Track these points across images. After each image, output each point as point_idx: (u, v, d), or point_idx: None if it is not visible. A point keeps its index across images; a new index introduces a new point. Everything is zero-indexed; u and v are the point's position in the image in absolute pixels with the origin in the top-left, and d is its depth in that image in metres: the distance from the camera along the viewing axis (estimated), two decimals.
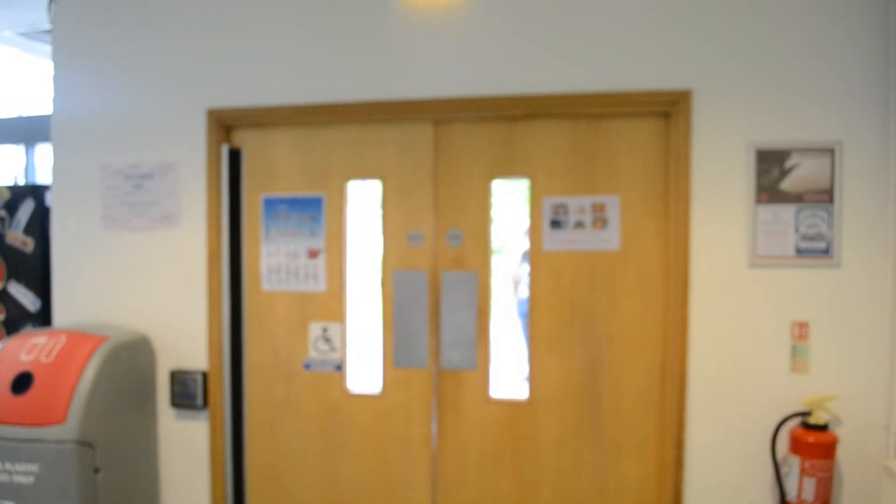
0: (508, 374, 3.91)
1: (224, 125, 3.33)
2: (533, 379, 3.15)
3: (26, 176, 7.63)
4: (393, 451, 3.29)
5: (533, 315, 3.14)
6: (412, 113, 3.16)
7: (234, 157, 3.34)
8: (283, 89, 3.25)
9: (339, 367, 3.34)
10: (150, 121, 3.40)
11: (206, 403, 3.28)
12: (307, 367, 3.37)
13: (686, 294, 2.89)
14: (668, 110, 2.93)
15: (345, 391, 3.34)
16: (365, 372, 3.45)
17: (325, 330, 3.35)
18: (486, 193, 3.18)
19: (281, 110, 3.26)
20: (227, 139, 3.38)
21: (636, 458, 3.06)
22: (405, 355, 3.26)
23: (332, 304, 3.34)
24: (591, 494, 3.10)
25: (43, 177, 7.51)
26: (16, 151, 7.94)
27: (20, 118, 7.74)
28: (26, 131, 7.60)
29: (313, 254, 3.41)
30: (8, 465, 2.90)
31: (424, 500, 3.26)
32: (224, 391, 3.28)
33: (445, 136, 3.20)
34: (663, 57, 2.92)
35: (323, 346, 3.35)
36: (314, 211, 3.67)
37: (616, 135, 3.04)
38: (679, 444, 2.91)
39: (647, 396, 3.03)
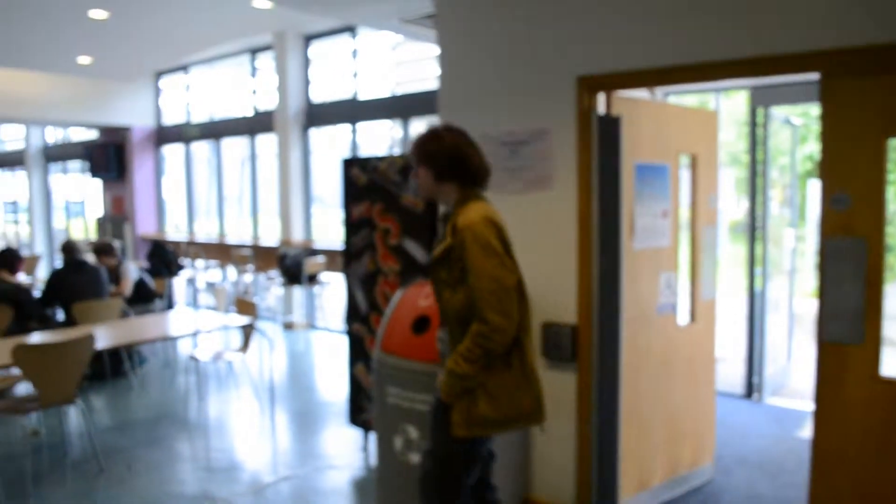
0: None
1: (594, 91, 3.43)
2: None
3: (403, 147, 8.62)
4: None
5: None
6: (796, 69, 2.97)
7: (613, 123, 3.44)
8: (649, 51, 3.25)
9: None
10: (524, 90, 3.64)
11: (574, 356, 3.47)
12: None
13: None
14: None
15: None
16: None
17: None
18: (879, 152, 2.88)
19: (647, 73, 3.27)
20: (607, 105, 3.49)
21: None
22: None
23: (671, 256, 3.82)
24: None
25: None
26: (394, 126, 9.02)
27: (396, 96, 8.75)
28: (402, 107, 8.57)
29: (664, 214, 3.76)
30: (411, 394, 3.38)
31: None
32: (593, 345, 3.44)
33: (832, 92, 2.95)
34: None
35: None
36: (663, 177, 3.72)
37: None
38: None
39: None
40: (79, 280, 6.33)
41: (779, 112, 5.80)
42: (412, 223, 4.27)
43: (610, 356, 3.49)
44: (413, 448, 3.44)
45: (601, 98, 3.50)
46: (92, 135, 13.72)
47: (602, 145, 3.42)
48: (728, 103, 12.50)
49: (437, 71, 4.02)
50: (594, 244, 3.42)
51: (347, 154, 8.66)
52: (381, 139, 9.41)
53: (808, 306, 8.62)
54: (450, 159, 2.61)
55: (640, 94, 3.94)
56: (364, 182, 4.51)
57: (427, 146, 2.65)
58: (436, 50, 4.06)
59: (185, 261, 10.41)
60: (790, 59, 2.96)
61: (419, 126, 8.38)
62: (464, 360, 2.47)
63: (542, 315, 3.60)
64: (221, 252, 10.88)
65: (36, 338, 5.02)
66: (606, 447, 3.53)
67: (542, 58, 3.57)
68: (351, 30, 8.88)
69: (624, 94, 3.59)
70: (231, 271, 10.68)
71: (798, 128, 6.38)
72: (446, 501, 2.66)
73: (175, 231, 12.70)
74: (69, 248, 6.56)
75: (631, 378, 3.59)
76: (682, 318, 3.99)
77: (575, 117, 3.45)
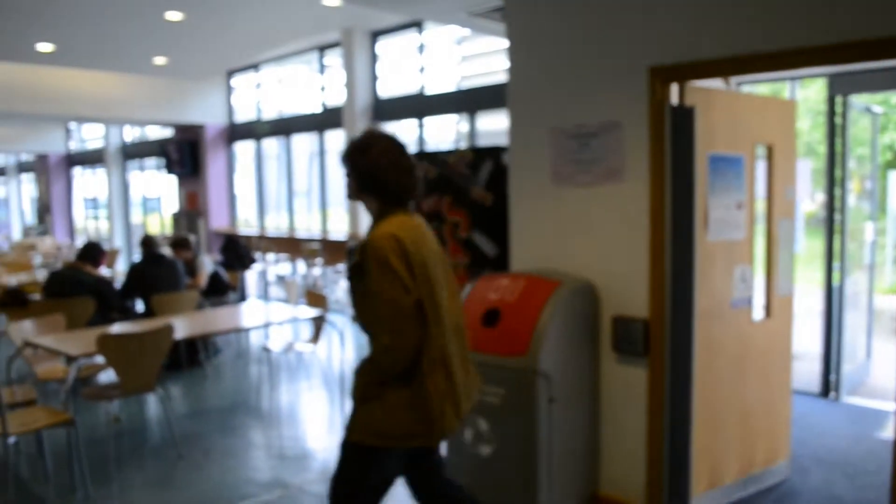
0: None
1: (667, 81, 3.37)
2: None
3: (469, 139, 8.64)
4: None
5: None
6: (882, 55, 2.86)
7: (687, 115, 3.37)
8: (724, 39, 3.17)
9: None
10: (594, 82, 3.60)
11: (646, 350, 3.43)
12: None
13: None
14: None
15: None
16: None
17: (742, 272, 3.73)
18: None
19: (723, 62, 3.20)
20: (680, 96, 3.43)
21: None
22: None
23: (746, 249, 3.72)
24: None
25: (482, 140, 8.42)
26: (461, 120, 9.04)
27: (463, 90, 8.77)
28: (469, 101, 8.59)
29: (739, 206, 3.65)
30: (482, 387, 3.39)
31: None
32: (665, 340, 3.39)
33: None
34: None
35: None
36: (737, 168, 3.62)
37: None
38: None
39: None
40: (157, 273, 6.56)
41: (858, 101, 5.59)
42: (481, 217, 4.28)
43: (682, 351, 3.43)
44: (483, 440, 3.46)
45: (674, 88, 3.44)
46: (167, 133, 14.18)
47: (675, 137, 3.36)
48: (802, 91, 12.10)
49: (505, 64, 4.02)
50: (667, 236, 3.37)
51: (414, 149, 8.72)
52: (448, 133, 9.44)
53: (889, 302, 8.30)
54: (370, 176, 2.50)
55: (714, 83, 3.86)
56: (434, 175, 4.54)
57: (352, 156, 2.55)
58: (503, 43, 4.05)
59: (256, 254, 10.66)
60: (875, 44, 2.84)
61: (489, 119, 8.39)
62: (361, 370, 2.46)
63: (611, 309, 3.57)
64: (291, 246, 11.10)
65: (118, 328, 5.23)
66: (678, 443, 3.48)
67: (613, 49, 3.53)
68: (417, 25, 8.93)
69: (698, 83, 3.52)
70: (300, 265, 10.89)
71: (879, 116, 6.14)
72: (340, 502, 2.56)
73: (246, 225, 13.02)
74: (148, 243, 6.80)
75: (703, 373, 3.53)
76: (757, 312, 3.89)
77: (647, 109, 3.40)
